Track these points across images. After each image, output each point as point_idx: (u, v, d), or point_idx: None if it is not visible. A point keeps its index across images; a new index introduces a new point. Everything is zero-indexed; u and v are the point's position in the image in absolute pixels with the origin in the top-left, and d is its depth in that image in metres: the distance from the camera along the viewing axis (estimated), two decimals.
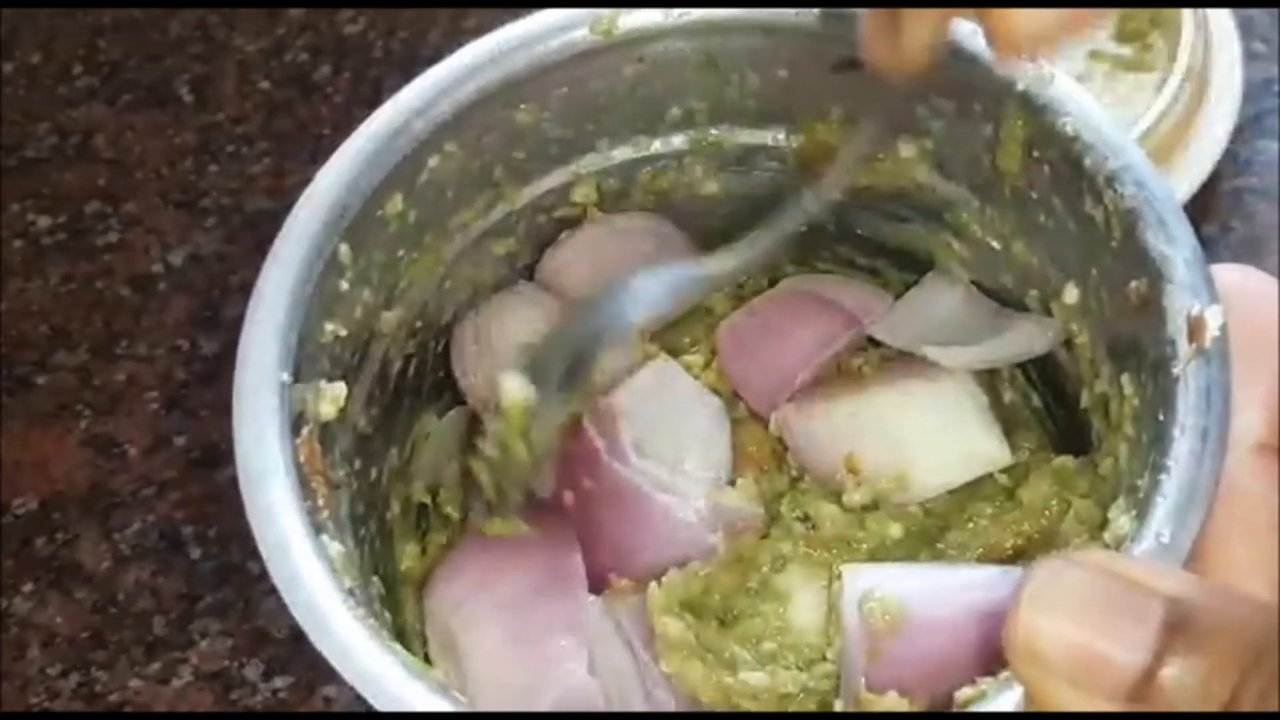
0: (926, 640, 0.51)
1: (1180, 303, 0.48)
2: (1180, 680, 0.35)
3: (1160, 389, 0.48)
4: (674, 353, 0.62)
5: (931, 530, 0.58)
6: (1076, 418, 0.57)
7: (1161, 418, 0.47)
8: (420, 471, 0.61)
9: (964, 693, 0.47)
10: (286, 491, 0.48)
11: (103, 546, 0.79)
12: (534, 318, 0.61)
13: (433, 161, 0.56)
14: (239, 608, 0.77)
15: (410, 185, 0.56)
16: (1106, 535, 0.49)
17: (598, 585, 0.57)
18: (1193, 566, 0.45)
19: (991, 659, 0.48)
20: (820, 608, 0.57)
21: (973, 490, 0.59)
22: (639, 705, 0.55)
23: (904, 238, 0.62)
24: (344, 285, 0.54)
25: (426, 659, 0.57)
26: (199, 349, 0.86)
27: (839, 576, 0.55)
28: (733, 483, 0.60)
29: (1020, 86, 0.53)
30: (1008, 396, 0.62)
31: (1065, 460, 0.57)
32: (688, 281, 0.55)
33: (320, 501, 0.50)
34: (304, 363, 0.51)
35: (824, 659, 0.56)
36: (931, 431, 0.58)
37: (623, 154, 0.61)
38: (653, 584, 0.55)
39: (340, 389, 0.53)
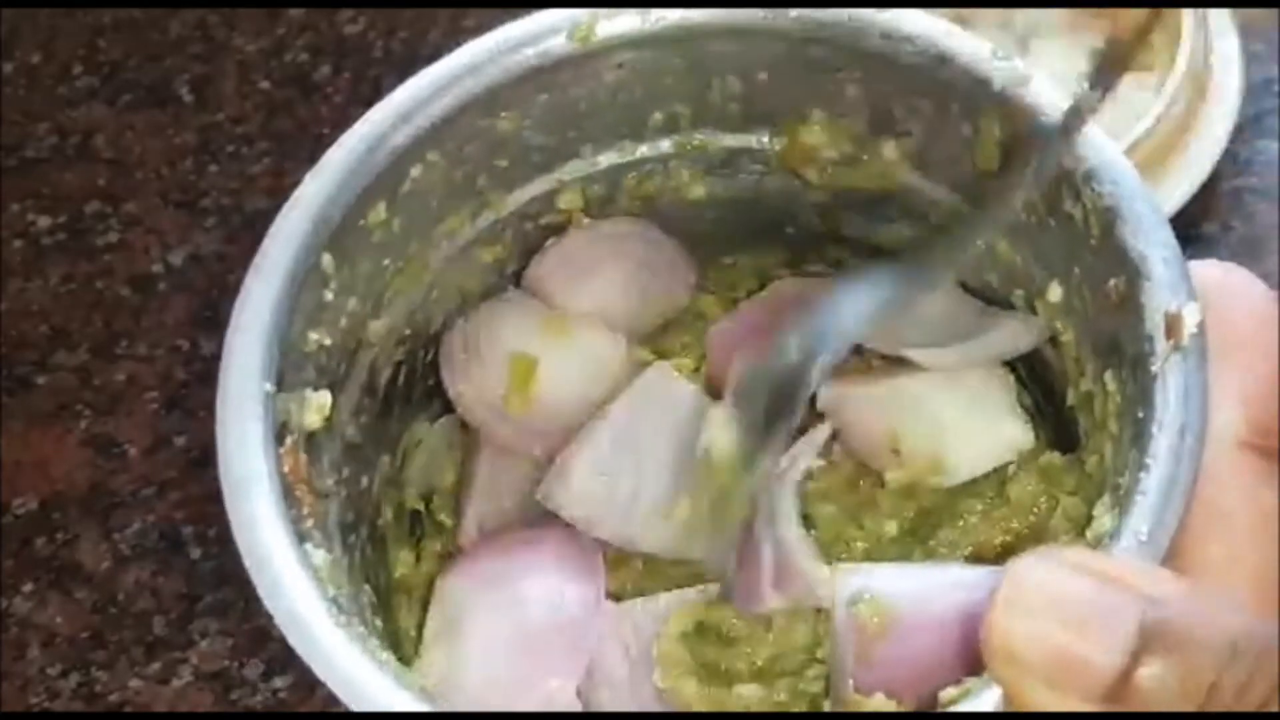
0: (916, 641, 0.51)
1: (1158, 300, 0.48)
2: (1157, 680, 0.35)
3: (1140, 386, 0.48)
4: (663, 356, 0.62)
5: (925, 528, 0.58)
6: (1064, 415, 0.57)
7: (1141, 415, 0.47)
8: (413, 479, 0.61)
9: (948, 692, 0.47)
10: (269, 500, 0.48)
11: (103, 546, 0.80)
12: (523, 325, 0.60)
13: (415, 171, 0.56)
14: (239, 608, 0.77)
15: (393, 195, 0.56)
16: (1089, 533, 0.49)
17: None
18: (1171, 564, 0.44)
19: (978, 659, 0.48)
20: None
21: (966, 485, 0.58)
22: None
23: (891, 239, 0.62)
24: (328, 294, 0.54)
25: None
26: (199, 349, 0.86)
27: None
28: None
29: (996, 86, 0.53)
30: None
31: (1052, 457, 0.57)
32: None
33: (305, 510, 0.50)
34: (288, 372, 0.51)
35: (815, 660, 0.55)
36: (966, 413, 0.58)
37: (607, 160, 0.61)
38: (664, 600, 0.56)
39: (325, 398, 0.53)
